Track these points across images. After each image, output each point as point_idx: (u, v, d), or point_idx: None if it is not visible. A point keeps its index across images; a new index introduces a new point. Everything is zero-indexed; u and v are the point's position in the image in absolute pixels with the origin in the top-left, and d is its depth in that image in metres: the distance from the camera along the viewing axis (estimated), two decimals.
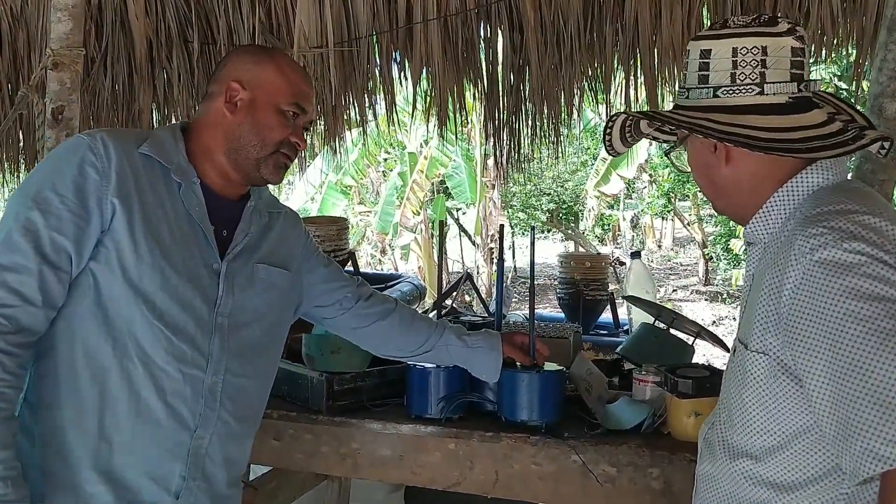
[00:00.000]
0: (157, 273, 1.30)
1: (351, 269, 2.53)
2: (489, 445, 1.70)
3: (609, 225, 18.52)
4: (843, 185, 1.12)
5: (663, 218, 18.12)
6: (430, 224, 12.11)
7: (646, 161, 12.72)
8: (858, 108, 1.27)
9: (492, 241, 11.52)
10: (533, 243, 1.77)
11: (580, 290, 2.70)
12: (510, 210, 15.39)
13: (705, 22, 2.78)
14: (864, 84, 2.75)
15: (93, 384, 1.28)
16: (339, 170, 10.89)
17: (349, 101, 3.23)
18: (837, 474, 1.03)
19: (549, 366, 1.76)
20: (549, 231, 18.39)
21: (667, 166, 13.18)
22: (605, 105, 3.24)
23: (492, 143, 3.24)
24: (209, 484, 1.39)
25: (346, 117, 3.33)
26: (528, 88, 3.07)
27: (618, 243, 18.75)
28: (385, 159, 13.14)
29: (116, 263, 1.28)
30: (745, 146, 1.09)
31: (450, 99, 3.13)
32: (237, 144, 1.41)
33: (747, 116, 1.12)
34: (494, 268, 2.10)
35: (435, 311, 2.04)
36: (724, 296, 13.41)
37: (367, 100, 3.22)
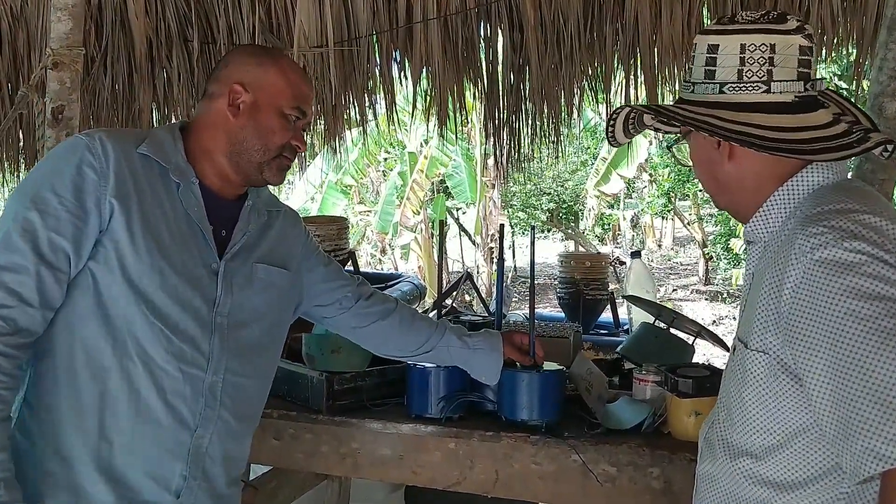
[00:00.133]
0: (156, 273, 1.30)
1: (351, 268, 2.53)
2: (489, 445, 1.70)
3: (609, 224, 18.52)
4: (843, 184, 1.12)
5: (663, 217, 18.12)
6: (430, 224, 12.11)
7: (646, 160, 12.72)
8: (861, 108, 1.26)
9: (492, 240, 11.52)
10: (533, 243, 1.77)
11: (580, 289, 2.70)
12: (510, 210, 15.39)
13: (705, 21, 2.78)
14: (865, 83, 2.75)
15: (93, 384, 1.28)
16: (339, 169, 10.89)
17: (349, 100, 3.23)
18: (837, 473, 1.03)
19: (549, 365, 1.75)
20: (549, 231, 18.39)
21: (667, 165, 13.19)
22: (605, 104, 3.24)
23: (492, 143, 3.24)
24: (210, 483, 1.39)
25: (346, 117, 3.33)
26: (528, 88, 3.07)
27: (618, 243, 18.75)
28: (385, 159, 13.14)
29: (116, 263, 1.28)
30: (750, 146, 1.09)
31: (450, 98, 3.13)
32: (240, 147, 1.41)
33: (752, 115, 1.12)
34: (494, 267, 2.10)
35: (435, 311, 2.04)
36: (724, 295, 13.41)
37: (367, 99, 3.21)
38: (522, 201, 15.97)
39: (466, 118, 4.06)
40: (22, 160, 3.75)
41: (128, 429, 1.30)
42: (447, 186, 12.29)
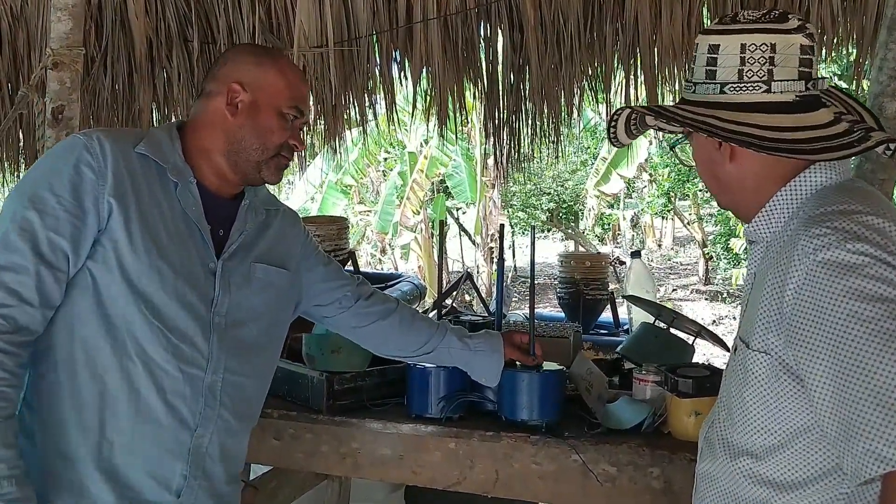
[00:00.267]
0: (154, 272, 1.30)
1: (351, 268, 2.53)
2: (489, 445, 1.70)
3: (609, 224, 18.52)
4: (846, 185, 1.12)
5: (663, 217, 18.12)
6: (430, 223, 12.11)
7: (646, 160, 12.71)
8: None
9: (492, 240, 11.52)
10: (533, 243, 1.77)
11: (580, 289, 2.70)
12: (510, 209, 15.39)
13: (705, 21, 2.78)
14: (865, 83, 2.75)
15: (92, 384, 1.28)
16: (339, 169, 10.89)
17: (349, 100, 3.22)
18: (837, 474, 1.03)
19: (550, 365, 1.75)
20: (549, 230, 18.40)
21: (667, 165, 13.20)
22: (605, 104, 3.23)
23: (492, 143, 3.24)
24: (210, 482, 1.40)
25: (346, 117, 3.33)
26: (528, 88, 3.07)
27: (618, 243, 18.75)
28: (385, 159, 13.14)
29: (114, 263, 1.28)
30: (749, 146, 1.09)
31: (450, 98, 3.13)
32: (238, 147, 1.41)
33: (753, 115, 1.12)
34: (494, 267, 2.10)
35: (435, 311, 2.04)
36: (724, 295, 13.41)
37: (367, 99, 3.21)
38: (522, 201, 15.97)
39: (466, 118, 4.06)
40: (22, 160, 3.74)
41: (128, 428, 1.30)
42: (447, 186, 12.29)
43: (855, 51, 2.78)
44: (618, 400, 1.82)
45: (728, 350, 1.60)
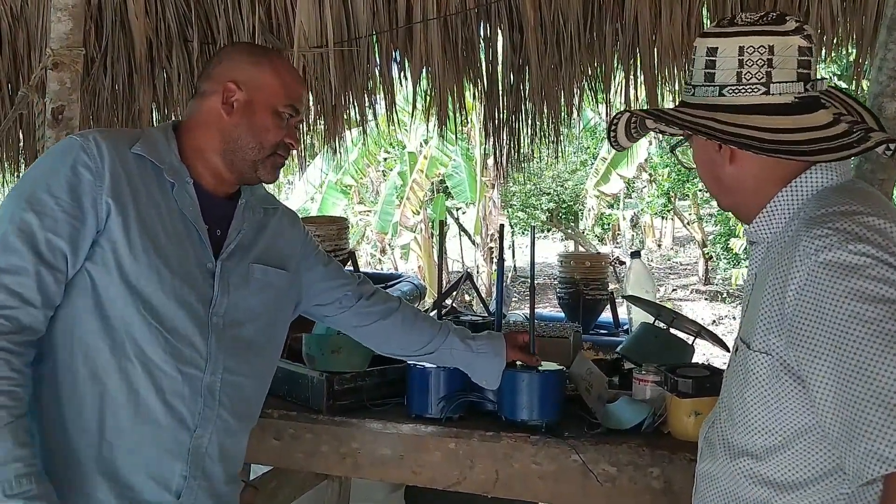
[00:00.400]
0: (153, 273, 1.30)
1: (351, 268, 2.53)
2: (489, 445, 1.70)
3: (609, 224, 18.52)
4: (847, 186, 1.12)
5: (663, 217, 18.13)
6: (430, 223, 12.11)
7: (645, 160, 12.71)
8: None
9: (491, 240, 11.52)
10: (533, 243, 1.77)
11: (580, 289, 2.70)
12: (510, 209, 15.39)
13: (705, 21, 2.78)
14: (864, 83, 2.75)
15: (92, 385, 1.28)
16: (339, 169, 10.89)
17: (349, 100, 3.22)
18: (838, 475, 1.03)
19: (549, 365, 1.76)
20: (548, 230, 18.40)
21: (666, 165, 13.20)
22: (605, 105, 3.24)
23: (491, 143, 3.24)
24: (209, 482, 1.40)
25: (346, 117, 3.33)
26: (527, 88, 3.07)
27: (617, 243, 18.75)
28: (385, 159, 13.14)
29: (113, 264, 1.28)
30: (748, 148, 1.09)
31: (450, 98, 3.13)
32: (234, 146, 1.41)
33: (752, 117, 1.12)
34: (494, 267, 2.10)
35: (435, 311, 2.04)
36: (724, 295, 13.41)
37: (367, 99, 3.21)
38: (522, 201, 15.98)
39: (466, 118, 4.06)
40: (22, 160, 3.74)
41: (127, 429, 1.30)
42: (447, 186, 12.29)
43: (854, 51, 2.78)
44: (618, 400, 1.82)
45: (728, 350, 1.60)
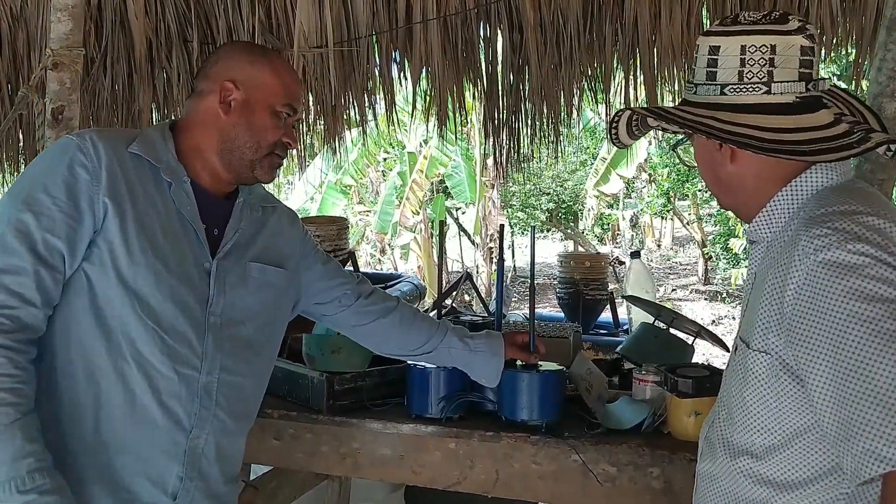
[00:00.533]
0: (150, 273, 1.29)
1: (351, 268, 2.53)
2: (489, 445, 1.70)
3: (608, 224, 18.54)
4: (847, 186, 1.12)
5: (662, 217, 18.13)
6: (430, 224, 12.11)
7: (645, 160, 12.72)
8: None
9: (491, 240, 11.52)
10: (533, 243, 1.77)
11: (580, 289, 2.71)
12: (509, 210, 15.40)
13: (705, 22, 2.78)
14: (864, 83, 2.75)
15: (88, 385, 1.28)
16: (339, 169, 10.89)
17: (349, 100, 3.23)
18: (838, 474, 1.03)
19: (549, 365, 1.76)
20: (548, 230, 18.40)
21: (666, 165, 13.19)
22: (604, 105, 3.24)
23: (491, 143, 3.24)
24: (206, 483, 1.39)
25: (345, 117, 3.33)
26: (527, 88, 3.07)
27: (617, 243, 18.77)
28: (385, 159, 13.15)
29: (110, 264, 1.28)
30: (748, 148, 1.09)
31: (449, 99, 3.13)
32: (232, 146, 1.40)
33: (753, 116, 1.12)
34: (494, 267, 2.10)
35: (435, 311, 2.04)
36: (724, 295, 13.42)
37: (366, 99, 3.21)
38: (522, 201, 15.98)
39: (466, 118, 4.06)
40: (22, 160, 3.74)
41: (123, 430, 1.30)
42: (447, 186, 12.29)
43: (854, 51, 2.78)
44: (618, 400, 1.82)
45: (727, 350, 1.60)
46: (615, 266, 3.15)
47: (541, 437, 1.68)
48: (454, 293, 2.62)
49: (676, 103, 1.25)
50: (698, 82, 1.19)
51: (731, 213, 1.34)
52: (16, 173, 3.86)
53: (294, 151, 2.88)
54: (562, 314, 2.85)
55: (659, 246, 20.37)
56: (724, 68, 1.15)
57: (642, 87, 2.92)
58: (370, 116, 3.29)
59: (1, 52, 3.31)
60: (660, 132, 1.35)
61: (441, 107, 3.12)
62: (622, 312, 2.79)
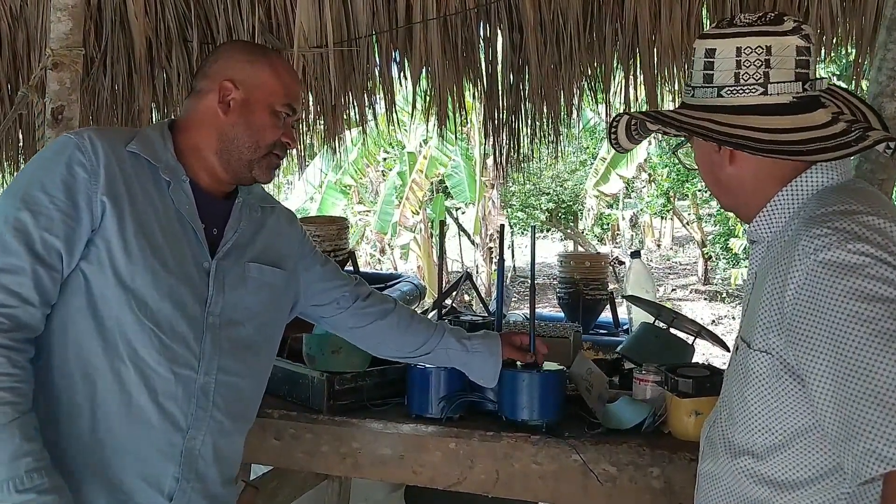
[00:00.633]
0: (148, 272, 1.29)
1: (350, 268, 2.53)
2: (490, 445, 1.70)
3: (608, 224, 18.55)
4: (847, 186, 1.12)
5: (662, 217, 18.14)
6: (430, 224, 12.12)
7: (645, 160, 12.73)
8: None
9: (491, 240, 11.52)
10: (533, 243, 1.77)
11: (580, 289, 2.71)
12: (509, 210, 15.40)
13: (705, 22, 2.78)
14: (864, 83, 2.75)
15: (84, 385, 1.28)
16: (339, 169, 10.90)
17: (349, 100, 3.22)
18: (838, 474, 1.03)
19: (550, 365, 1.76)
20: (548, 230, 18.41)
21: (666, 165, 13.21)
22: (604, 105, 3.24)
23: (491, 143, 3.24)
24: (203, 484, 1.38)
25: (345, 117, 3.33)
26: (527, 88, 3.07)
27: (617, 243, 18.78)
28: (384, 159, 13.15)
29: (107, 263, 1.27)
30: (744, 149, 1.09)
31: (449, 98, 3.13)
32: (231, 145, 1.40)
33: (750, 117, 1.12)
34: (493, 267, 2.10)
35: (435, 311, 2.04)
36: (724, 295, 13.42)
37: (366, 99, 3.21)
38: (521, 201, 15.99)
39: (466, 118, 4.06)
40: (22, 160, 3.74)
41: (119, 430, 1.29)
42: (446, 186, 12.30)
43: (854, 51, 2.78)
44: (618, 400, 1.82)
45: (728, 350, 1.60)
46: (615, 266, 3.15)
47: (541, 436, 1.68)
48: (454, 293, 2.63)
49: (676, 106, 1.25)
50: (696, 85, 1.19)
51: (730, 213, 1.34)
52: (16, 173, 3.86)
53: (294, 151, 2.88)
54: (562, 314, 2.85)
55: (659, 246, 20.38)
56: (720, 70, 1.15)
57: (642, 87, 2.92)
58: (370, 116, 3.29)
59: (1, 52, 3.30)
60: (660, 133, 1.35)
61: (441, 107, 3.12)
62: (622, 312, 2.79)
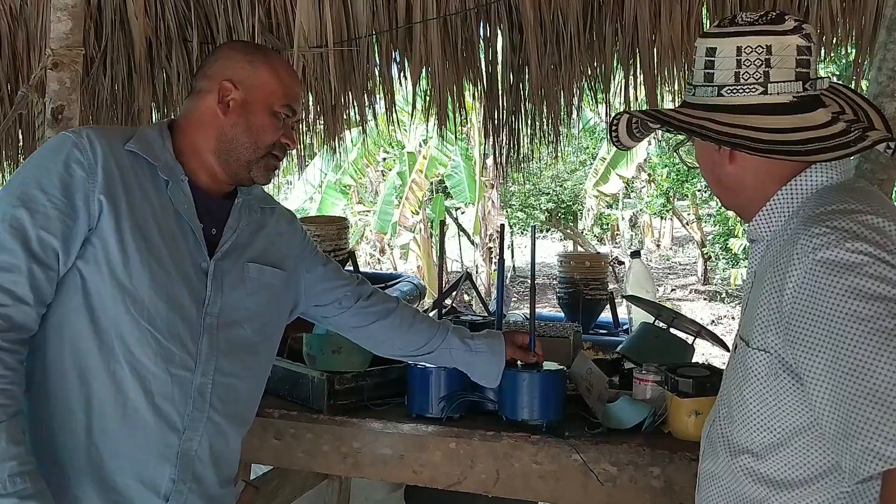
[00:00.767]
0: (145, 272, 1.28)
1: (350, 268, 2.53)
2: (490, 444, 1.70)
3: (608, 224, 18.56)
4: (846, 185, 1.12)
5: (662, 217, 18.15)
6: (430, 224, 12.12)
7: (644, 160, 12.73)
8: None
9: (491, 240, 11.53)
10: (533, 243, 1.77)
11: (580, 289, 2.70)
12: (509, 210, 15.40)
13: (705, 22, 2.78)
14: (864, 83, 2.75)
15: (79, 385, 1.27)
16: (338, 169, 10.90)
17: (349, 100, 3.22)
18: (837, 473, 1.03)
19: (550, 365, 1.76)
20: (547, 230, 18.41)
21: (665, 165, 13.21)
22: (604, 105, 3.24)
23: (491, 143, 3.24)
24: (200, 485, 1.37)
25: (345, 117, 3.33)
26: (527, 88, 3.07)
27: (617, 242, 18.79)
28: (384, 159, 13.15)
29: (104, 262, 1.26)
30: (742, 148, 1.09)
31: (449, 98, 3.13)
32: (229, 146, 1.39)
33: (749, 117, 1.12)
34: (493, 267, 2.10)
35: (435, 311, 2.04)
36: (723, 295, 13.43)
37: (366, 99, 3.21)
38: (521, 201, 15.99)
39: (466, 118, 4.06)
40: (22, 160, 3.74)
41: (115, 431, 1.28)
42: (446, 186, 12.30)
43: (854, 51, 2.79)
44: (618, 400, 1.83)
45: (727, 350, 1.60)
46: (615, 266, 3.15)
47: (541, 436, 1.68)
48: (454, 293, 2.63)
49: (677, 105, 1.25)
50: (696, 84, 1.19)
51: (730, 213, 1.35)
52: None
53: (294, 151, 2.88)
54: (562, 314, 2.85)
55: (658, 246, 20.38)
56: (720, 70, 1.15)
57: (642, 87, 2.92)
58: (370, 116, 3.29)
59: (1, 52, 3.30)
60: (660, 132, 1.35)
61: (441, 107, 3.12)
62: (622, 312, 2.79)
